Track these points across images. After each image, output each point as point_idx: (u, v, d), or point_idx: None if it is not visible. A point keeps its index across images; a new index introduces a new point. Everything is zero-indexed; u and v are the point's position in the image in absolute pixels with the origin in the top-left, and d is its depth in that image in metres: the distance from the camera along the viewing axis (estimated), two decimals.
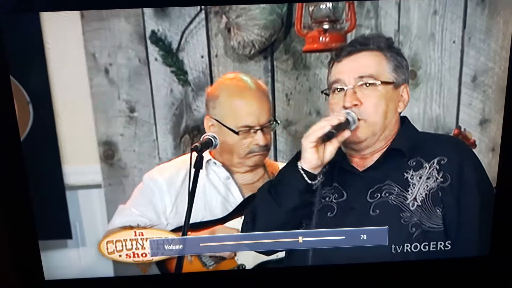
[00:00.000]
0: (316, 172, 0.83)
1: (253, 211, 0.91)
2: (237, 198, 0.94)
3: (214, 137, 0.90)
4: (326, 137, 0.80)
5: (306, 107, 0.90)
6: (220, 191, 0.94)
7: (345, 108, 0.84)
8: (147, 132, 0.90)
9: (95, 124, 0.89)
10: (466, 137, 0.91)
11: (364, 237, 0.90)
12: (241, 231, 0.93)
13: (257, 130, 0.89)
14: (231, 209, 0.94)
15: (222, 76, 0.89)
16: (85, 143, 0.90)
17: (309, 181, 0.84)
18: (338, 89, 0.84)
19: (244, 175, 0.95)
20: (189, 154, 0.89)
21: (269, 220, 0.89)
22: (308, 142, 0.82)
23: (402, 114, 0.88)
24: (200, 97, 0.89)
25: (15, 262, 0.98)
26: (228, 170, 0.94)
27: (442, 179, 0.87)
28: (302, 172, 0.83)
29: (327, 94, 0.87)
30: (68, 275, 0.95)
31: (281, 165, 0.94)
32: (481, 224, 0.92)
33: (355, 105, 0.83)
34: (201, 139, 0.90)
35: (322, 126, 0.81)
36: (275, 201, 0.87)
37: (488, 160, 0.91)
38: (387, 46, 0.85)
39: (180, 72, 0.88)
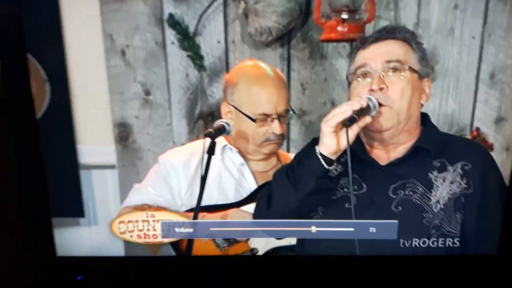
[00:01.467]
0: (333, 158, 0.83)
1: (268, 194, 0.91)
2: (251, 185, 0.95)
3: (228, 124, 0.91)
4: (349, 122, 0.79)
5: (321, 97, 0.90)
6: (235, 177, 0.95)
7: (371, 91, 0.82)
8: (162, 116, 0.91)
9: (111, 105, 0.89)
10: (484, 140, 0.90)
11: (373, 230, 0.91)
12: (254, 214, 0.93)
13: (274, 118, 0.90)
14: (244, 195, 0.95)
15: (240, 63, 0.89)
16: (100, 124, 0.91)
17: (326, 166, 0.83)
18: (364, 74, 0.84)
19: (258, 163, 0.95)
20: (203, 140, 0.90)
21: (284, 203, 0.89)
22: (328, 126, 0.80)
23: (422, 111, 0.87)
24: (215, 83, 0.89)
25: (28, 237, 1.01)
26: (243, 156, 0.95)
27: (465, 186, 0.87)
28: (319, 156, 0.82)
29: (349, 82, 0.87)
30: (79, 253, 0.97)
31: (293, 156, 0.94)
32: (492, 224, 0.92)
33: (381, 88, 0.82)
34: (214, 125, 0.90)
35: (344, 111, 0.80)
36: (291, 185, 0.86)
37: (502, 159, 0.90)
38: (412, 38, 0.84)
39: (196, 56, 0.87)
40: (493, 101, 0.88)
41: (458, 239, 0.92)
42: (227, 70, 0.89)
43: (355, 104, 0.80)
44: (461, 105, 0.89)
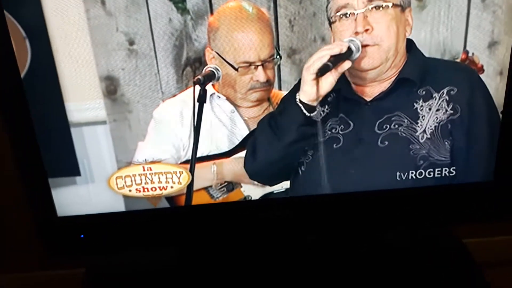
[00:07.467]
0: (314, 104, 0.83)
1: (254, 144, 0.91)
2: (243, 131, 0.94)
3: (217, 69, 0.89)
4: (322, 71, 0.78)
5: (310, 33, 0.87)
6: (226, 125, 0.94)
7: (357, 34, 0.81)
8: (148, 66, 0.88)
9: (95, 58, 0.87)
10: (473, 62, 0.88)
11: None
12: (244, 165, 0.93)
13: (258, 66, 0.87)
14: (237, 142, 0.94)
15: (223, 5, 0.85)
16: (87, 79, 0.88)
17: (308, 114, 0.83)
18: (347, 15, 0.81)
19: (248, 109, 0.94)
20: (192, 88, 0.88)
21: (268, 153, 0.90)
22: (309, 73, 0.80)
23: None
24: (200, 26, 0.86)
25: (27, 201, 1.01)
26: (233, 103, 0.93)
27: (452, 111, 0.87)
28: (300, 104, 0.83)
29: (331, 22, 0.84)
30: (80, 211, 0.97)
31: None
32: (487, 151, 0.93)
33: (367, 30, 0.81)
34: (203, 71, 0.88)
35: (322, 56, 0.79)
36: (274, 134, 0.87)
37: (496, 84, 0.89)
38: None
39: None
40: (486, 24, 0.85)
41: (454, 168, 0.92)
42: (211, 11, 0.85)
43: (334, 49, 0.78)
44: (453, 32, 0.86)
